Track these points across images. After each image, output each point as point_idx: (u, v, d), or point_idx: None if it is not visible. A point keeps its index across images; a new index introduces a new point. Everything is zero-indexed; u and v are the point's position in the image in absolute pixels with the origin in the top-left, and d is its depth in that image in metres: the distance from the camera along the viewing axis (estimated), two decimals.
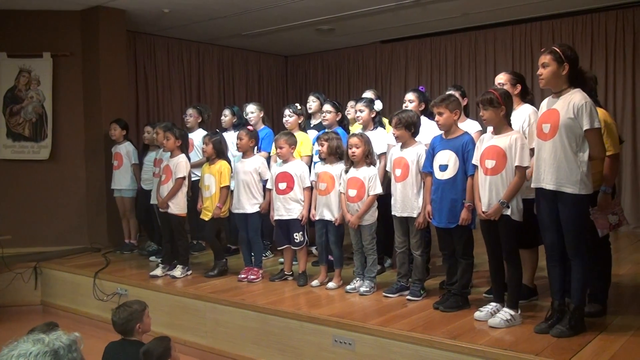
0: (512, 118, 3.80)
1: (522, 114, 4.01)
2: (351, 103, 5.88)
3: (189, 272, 5.38)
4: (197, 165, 5.97)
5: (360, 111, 5.01)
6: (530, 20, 8.08)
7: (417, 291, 4.33)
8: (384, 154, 4.81)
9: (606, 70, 7.55)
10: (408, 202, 4.26)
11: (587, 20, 7.72)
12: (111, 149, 6.68)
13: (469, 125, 4.35)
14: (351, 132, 5.00)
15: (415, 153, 4.26)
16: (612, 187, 3.76)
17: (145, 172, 6.32)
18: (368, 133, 4.86)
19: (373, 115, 5.03)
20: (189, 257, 5.57)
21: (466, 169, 3.92)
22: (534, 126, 3.83)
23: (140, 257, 6.30)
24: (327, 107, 5.35)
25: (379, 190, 4.48)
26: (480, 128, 4.67)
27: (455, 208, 3.96)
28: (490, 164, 3.68)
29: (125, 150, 6.54)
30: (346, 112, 5.61)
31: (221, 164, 5.20)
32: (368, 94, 5.45)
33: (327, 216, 4.68)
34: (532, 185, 3.56)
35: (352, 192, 4.49)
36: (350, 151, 4.51)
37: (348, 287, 4.59)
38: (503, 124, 3.70)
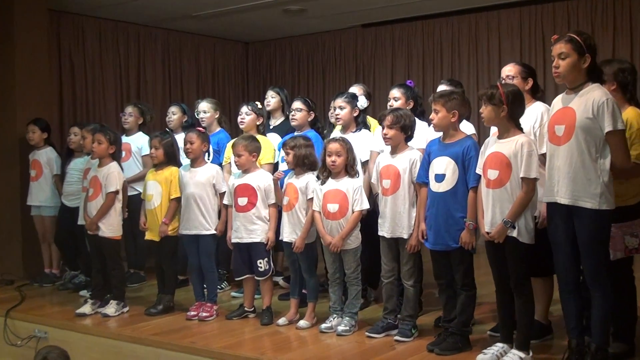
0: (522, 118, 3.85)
1: (533, 113, 4.08)
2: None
3: (125, 309, 5.32)
4: (137, 180, 5.93)
5: (341, 108, 5.03)
6: (541, 2, 8.23)
7: (408, 330, 4.34)
8: (369, 162, 4.84)
9: (631, 60, 7.69)
10: (399, 219, 4.29)
11: (608, 2, 7.90)
12: (28, 155, 6.59)
13: (462, 127, 4.39)
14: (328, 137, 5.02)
15: (408, 160, 4.29)
16: None
17: (69, 183, 6.24)
18: (350, 136, 4.89)
19: (356, 114, 5.06)
20: (125, 290, 5.51)
21: (467, 180, 3.97)
22: (545, 128, 3.90)
23: (64, 291, 6.20)
24: (296, 104, 5.36)
25: (365, 205, 4.49)
26: (474, 131, 4.73)
27: (453, 227, 3.99)
28: (492, 174, 3.73)
29: (46, 157, 6.46)
30: (329, 114, 5.60)
31: (171, 170, 5.19)
32: (355, 90, 5.46)
33: (292, 237, 4.68)
34: (544, 200, 3.62)
35: (333, 208, 4.50)
36: (329, 159, 4.52)
37: (323, 325, 4.58)
38: (507, 127, 3.75)
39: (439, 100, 4.05)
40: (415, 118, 4.83)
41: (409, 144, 4.41)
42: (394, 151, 4.38)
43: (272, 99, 5.93)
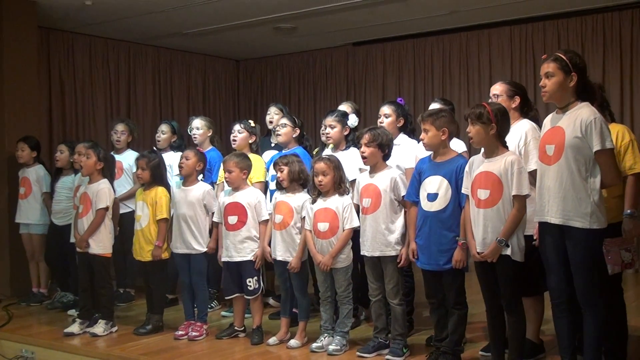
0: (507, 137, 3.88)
1: (518, 132, 4.07)
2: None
3: (114, 329, 5.30)
4: (128, 197, 5.92)
5: (331, 127, 5.07)
6: (531, 20, 8.31)
7: (399, 349, 4.34)
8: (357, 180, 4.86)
9: (621, 78, 7.80)
10: (380, 238, 4.31)
11: (598, 21, 7.98)
12: (17, 173, 6.58)
13: (453, 145, 4.44)
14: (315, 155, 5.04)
15: (389, 178, 4.33)
16: (636, 210, 3.84)
17: (57, 201, 6.23)
18: (339, 154, 4.92)
19: (346, 133, 5.09)
20: (114, 309, 5.49)
21: (460, 199, 3.99)
22: (531, 145, 3.93)
23: (52, 310, 6.17)
24: (281, 120, 5.42)
25: (355, 223, 4.51)
26: (465, 149, 4.77)
27: (445, 246, 4.01)
28: (483, 194, 3.75)
29: (36, 175, 6.45)
30: (321, 133, 5.62)
31: (157, 191, 5.18)
32: (344, 108, 5.50)
33: (286, 256, 4.69)
34: (536, 219, 3.64)
35: (323, 226, 4.51)
36: (316, 179, 4.54)
37: (314, 345, 4.58)
38: (494, 146, 3.78)
39: (428, 119, 4.08)
40: (403, 134, 4.88)
41: (392, 162, 4.44)
42: (373, 170, 4.41)
43: (275, 115, 5.96)
